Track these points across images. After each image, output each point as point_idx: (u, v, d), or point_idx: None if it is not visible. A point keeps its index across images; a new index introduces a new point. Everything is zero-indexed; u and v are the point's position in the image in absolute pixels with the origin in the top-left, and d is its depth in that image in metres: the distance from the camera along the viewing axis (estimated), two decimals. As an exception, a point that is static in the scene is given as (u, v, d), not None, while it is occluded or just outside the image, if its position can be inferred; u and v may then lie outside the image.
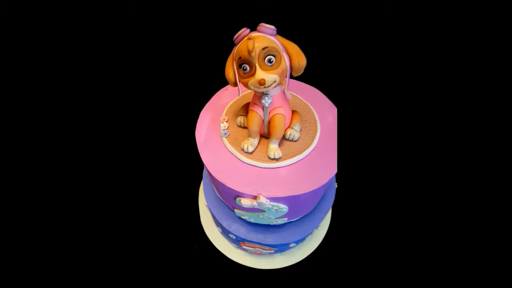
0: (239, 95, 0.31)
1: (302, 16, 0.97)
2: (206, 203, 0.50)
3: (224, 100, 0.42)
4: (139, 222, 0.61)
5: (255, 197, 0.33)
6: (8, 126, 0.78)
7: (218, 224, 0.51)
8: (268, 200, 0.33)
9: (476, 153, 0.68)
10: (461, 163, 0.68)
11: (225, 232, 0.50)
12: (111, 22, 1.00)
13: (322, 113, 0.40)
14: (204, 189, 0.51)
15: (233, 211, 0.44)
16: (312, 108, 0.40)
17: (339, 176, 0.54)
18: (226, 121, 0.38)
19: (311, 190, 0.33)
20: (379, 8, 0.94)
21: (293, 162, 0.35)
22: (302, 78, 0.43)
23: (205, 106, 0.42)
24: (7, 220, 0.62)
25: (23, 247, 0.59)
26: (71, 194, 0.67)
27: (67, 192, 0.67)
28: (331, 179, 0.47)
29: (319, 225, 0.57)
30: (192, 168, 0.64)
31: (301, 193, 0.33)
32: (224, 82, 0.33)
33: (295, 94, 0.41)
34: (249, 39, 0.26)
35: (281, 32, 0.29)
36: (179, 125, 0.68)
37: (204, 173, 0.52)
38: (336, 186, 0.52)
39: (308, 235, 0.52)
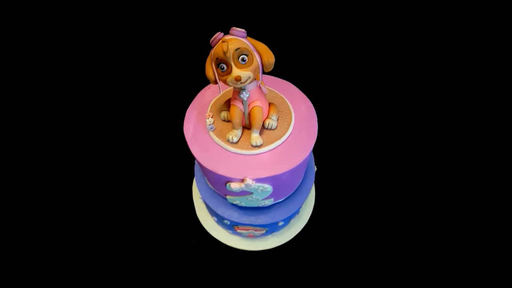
0: (220, 91, 0.36)
1: (302, 17, 1.01)
2: (200, 196, 0.54)
3: (207, 98, 0.46)
4: (136, 220, 0.64)
5: (242, 180, 0.38)
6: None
7: (213, 213, 0.55)
8: (254, 181, 0.38)
9: (460, 148, 0.73)
10: (439, 150, 0.72)
11: (220, 220, 0.55)
12: (110, 21, 1.00)
13: (296, 103, 0.45)
14: (196, 183, 0.55)
15: (225, 198, 0.49)
16: (286, 99, 0.45)
17: (319, 161, 0.60)
18: (211, 117, 0.43)
19: (289, 169, 0.38)
20: (379, 8, 0.97)
21: (273, 147, 0.40)
22: (295, 74, 0.49)
23: (191, 105, 0.46)
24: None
25: (12, 245, 0.60)
26: (61, 192, 0.68)
27: (57, 190, 0.68)
28: (307, 162, 0.53)
29: (304, 206, 0.63)
30: (183, 165, 0.68)
31: (281, 172, 0.38)
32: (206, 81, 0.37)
33: (271, 89, 0.46)
34: (223, 42, 0.31)
35: (280, 32, 0.33)
36: (167, 125, 0.71)
37: (196, 168, 0.56)
38: (316, 169, 0.58)
39: (295, 215, 0.58)
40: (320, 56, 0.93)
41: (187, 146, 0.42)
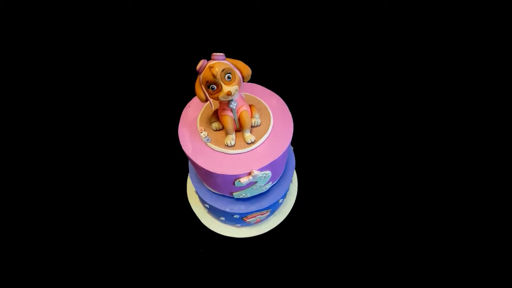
0: (212, 107, 0.43)
1: (301, 17, 1.01)
2: (204, 205, 0.60)
3: (192, 115, 0.52)
4: (133, 224, 0.67)
5: (249, 173, 0.46)
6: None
7: (220, 214, 0.61)
8: (259, 171, 0.47)
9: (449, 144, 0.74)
10: (425, 144, 0.74)
11: (229, 217, 0.61)
12: (110, 21, 0.99)
13: (267, 99, 0.54)
14: (198, 193, 0.60)
15: (230, 197, 0.56)
16: (260, 98, 0.54)
17: (297, 144, 0.69)
18: (204, 130, 0.49)
19: (281, 153, 0.48)
20: (379, 8, 0.96)
21: (264, 140, 0.49)
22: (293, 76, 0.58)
23: (179, 124, 0.51)
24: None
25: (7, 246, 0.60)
26: (51, 192, 0.69)
27: (46, 189, 0.68)
28: (289, 146, 0.63)
29: (291, 185, 0.74)
30: (175, 175, 0.71)
31: (276, 158, 0.47)
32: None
33: (246, 93, 0.54)
34: (210, 67, 0.38)
35: (279, 33, 0.38)
36: (162, 128, 0.74)
37: (194, 179, 0.61)
38: (292, 148, 0.69)
39: (287, 191, 0.68)
40: (320, 57, 0.94)
41: (180, 160, 0.47)
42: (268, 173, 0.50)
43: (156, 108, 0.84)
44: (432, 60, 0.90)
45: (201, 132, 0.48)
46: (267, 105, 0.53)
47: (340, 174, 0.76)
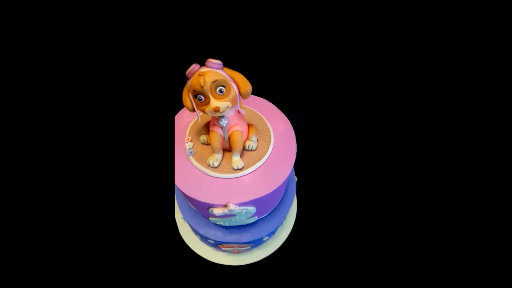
0: (198, 119, 0.36)
1: (301, 18, 0.99)
2: (182, 216, 0.53)
3: (185, 120, 0.45)
4: (115, 235, 0.60)
5: (225, 205, 0.38)
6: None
7: (196, 232, 0.55)
8: (237, 206, 0.38)
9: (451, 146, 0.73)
10: (425, 149, 0.72)
11: (204, 239, 0.54)
12: (110, 21, 0.95)
13: (274, 122, 0.46)
14: (178, 203, 0.54)
15: (208, 219, 0.48)
16: (265, 118, 0.46)
17: (299, 171, 0.62)
18: (190, 141, 0.42)
19: (271, 190, 0.39)
20: (379, 8, 0.95)
21: (254, 169, 0.40)
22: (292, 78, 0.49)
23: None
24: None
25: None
26: (44, 194, 0.63)
27: (39, 192, 0.63)
28: (289, 177, 0.54)
29: (287, 217, 0.64)
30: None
31: (263, 195, 0.39)
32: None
33: (249, 108, 0.46)
34: (199, 75, 0.31)
35: (279, 34, 0.33)
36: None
37: (176, 188, 0.55)
38: (296, 179, 0.59)
39: (278, 227, 0.59)
40: (320, 57, 0.92)
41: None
42: (251, 209, 0.41)
43: (153, 109, 0.78)
44: (432, 60, 0.89)
45: (187, 142, 0.42)
46: (271, 129, 0.44)
47: (347, 211, 0.67)
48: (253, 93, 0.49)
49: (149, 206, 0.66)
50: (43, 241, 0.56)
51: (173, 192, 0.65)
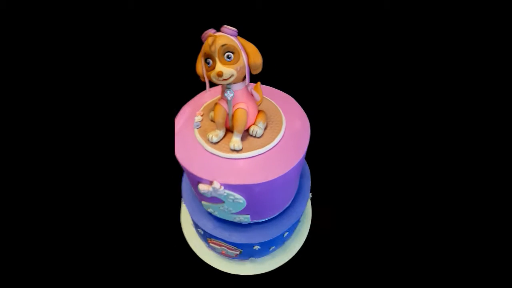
0: (206, 89, 0.35)
1: (301, 18, 0.98)
2: (182, 197, 0.53)
3: (205, 99, 0.47)
4: (117, 220, 0.61)
5: (211, 183, 0.36)
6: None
7: (192, 219, 0.53)
8: (222, 187, 0.35)
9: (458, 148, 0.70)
10: (436, 154, 0.70)
11: (196, 228, 0.52)
12: (110, 21, 0.93)
13: (291, 118, 0.42)
14: (183, 184, 0.54)
15: (202, 205, 0.46)
16: (282, 112, 0.43)
17: (316, 187, 0.54)
18: (201, 115, 0.42)
19: (261, 182, 0.35)
20: (379, 8, 0.96)
21: (252, 155, 0.37)
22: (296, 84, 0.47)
23: (187, 103, 0.47)
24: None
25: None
26: (44, 195, 0.65)
27: (38, 192, 0.65)
28: (298, 186, 0.48)
29: (293, 237, 0.56)
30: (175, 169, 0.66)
31: (252, 183, 0.35)
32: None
33: (268, 99, 0.44)
34: (210, 36, 0.31)
35: (278, 34, 0.32)
36: (162, 124, 0.70)
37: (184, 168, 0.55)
38: (310, 196, 0.52)
39: (278, 243, 0.52)
40: (320, 58, 0.92)
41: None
42: (239, 198, 0.37)
43: (156, 107, 0.72)
44: (432, 60, 0.87)
45: (197, 116, 0.42)
46: (284, 122, 0.41)
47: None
48: (280, 88, 0.48)
49: (155, 208, 0.61)
50: (49, 244, 0.57)
51: (180, 197, 0.64)
